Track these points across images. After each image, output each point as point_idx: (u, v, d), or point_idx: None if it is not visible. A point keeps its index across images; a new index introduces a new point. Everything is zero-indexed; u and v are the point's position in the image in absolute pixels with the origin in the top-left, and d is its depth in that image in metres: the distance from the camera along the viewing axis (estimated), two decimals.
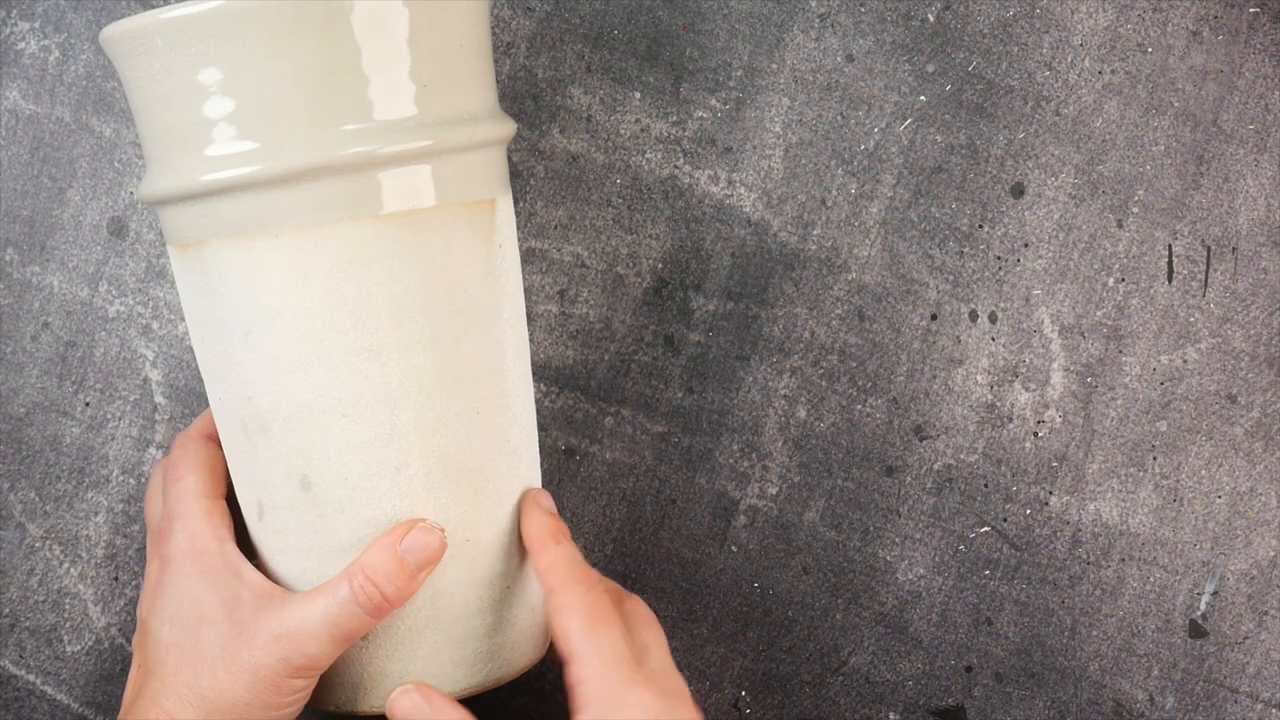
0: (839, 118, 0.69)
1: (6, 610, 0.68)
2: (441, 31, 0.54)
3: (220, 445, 0.59)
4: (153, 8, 0.68)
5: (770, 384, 0.69)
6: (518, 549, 0.58)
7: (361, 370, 0.53)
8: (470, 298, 0.55)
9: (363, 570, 0.54)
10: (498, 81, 0.67)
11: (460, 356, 0.55)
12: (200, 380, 0.68)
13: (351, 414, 0.54)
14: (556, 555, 0.56)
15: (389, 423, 0.54)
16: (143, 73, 0.53)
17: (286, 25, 0.51)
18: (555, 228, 0.69)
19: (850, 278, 0.69)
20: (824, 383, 0.69)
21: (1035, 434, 0.69)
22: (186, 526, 0.57)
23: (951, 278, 0.69)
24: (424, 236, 0.54)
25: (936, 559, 0.70)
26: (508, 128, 0.57)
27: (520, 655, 0.59)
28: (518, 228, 0.68)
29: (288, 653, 0.54)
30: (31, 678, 0.68)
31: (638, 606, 0.59)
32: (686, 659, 0.69)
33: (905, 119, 0.69)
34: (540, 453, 0.65)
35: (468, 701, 0.57)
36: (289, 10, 0.51)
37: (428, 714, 0.55)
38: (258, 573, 0.56)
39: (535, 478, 0.60)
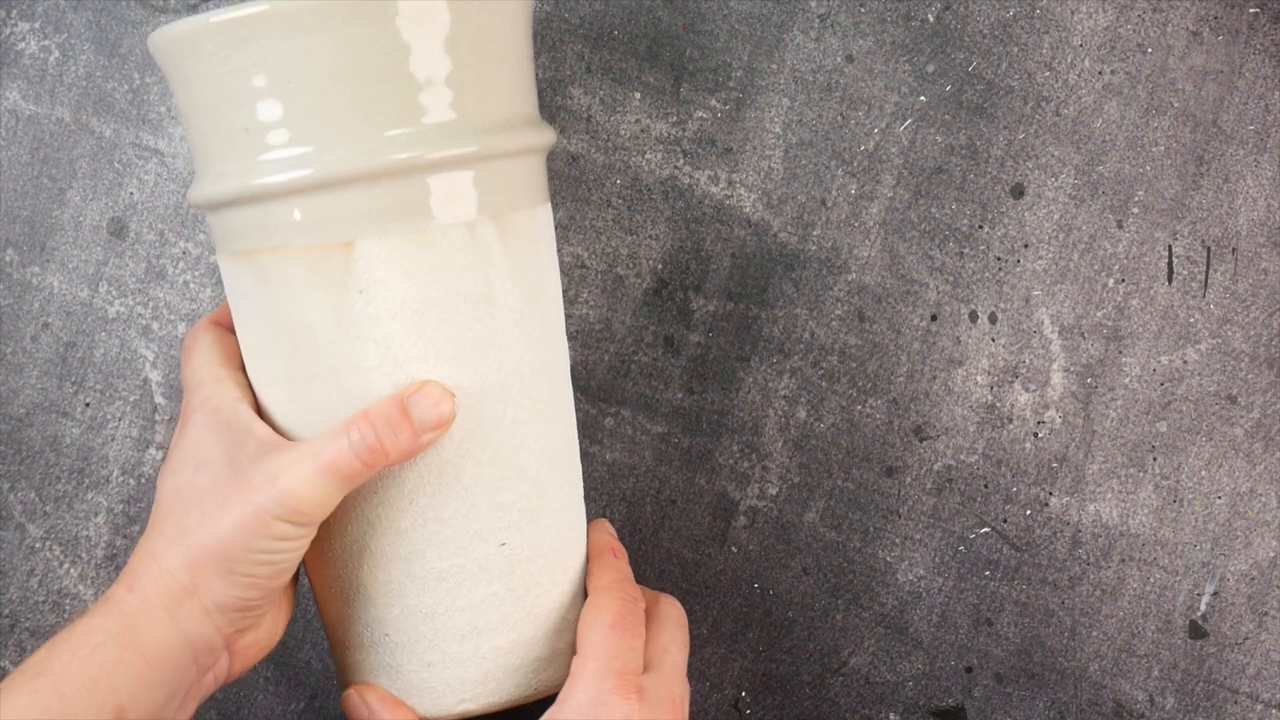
0: (839, 118, 0.69)
1: (6, 610, 0.68)
2: (488, 37, 0.54)
3: (229, 329, 0.59)
4: (153, 8, 0.68)
5: (770, 384, 0.69)
6: (560, 567, 0.58)
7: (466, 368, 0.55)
8: (539, 301, 0.56)
9: (365, 416, 0.54)
10: None
11: (522, 360, 0.56)
12: None
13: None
14: (609, 565, 0.60)
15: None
16: (191, 77, 0.53)
17: (332, 27, 0.51)
18: (555, 228, 0.69)
19: (850, 278, 0.69)
20: (824, 383, 0.69)
21: (1035, 434, 0.69)
22: (202, 389, 0.57)
23: (951, 278, 0.69)
24: (478, 244, 0.54)
25: (936, 559, 0.70)
26: (550, 135, 0.58)
27: (554, 676, 0.59)
28: None
29: (279, 493, 0.53)
30: None
31: (670, 608, 0.60)
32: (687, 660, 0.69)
33: (905, 119, 0.69)
34: None
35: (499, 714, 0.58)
36: (339, 10, 0.51)
37: (365, 715, 0.57)
38: (269, 428, 0.56)
39: (578, 488, 0.60)
